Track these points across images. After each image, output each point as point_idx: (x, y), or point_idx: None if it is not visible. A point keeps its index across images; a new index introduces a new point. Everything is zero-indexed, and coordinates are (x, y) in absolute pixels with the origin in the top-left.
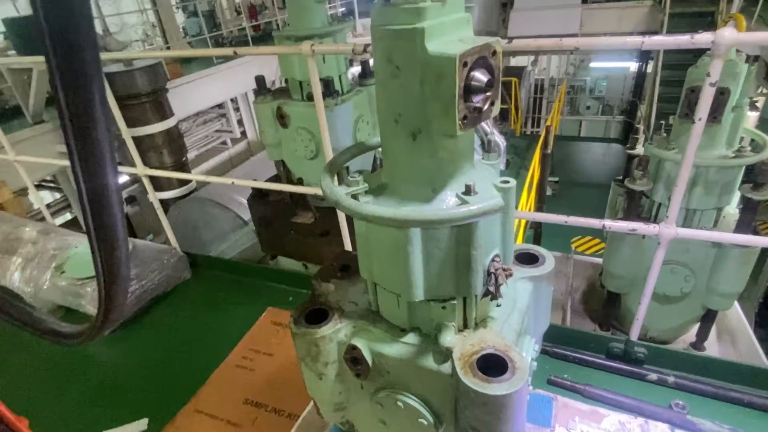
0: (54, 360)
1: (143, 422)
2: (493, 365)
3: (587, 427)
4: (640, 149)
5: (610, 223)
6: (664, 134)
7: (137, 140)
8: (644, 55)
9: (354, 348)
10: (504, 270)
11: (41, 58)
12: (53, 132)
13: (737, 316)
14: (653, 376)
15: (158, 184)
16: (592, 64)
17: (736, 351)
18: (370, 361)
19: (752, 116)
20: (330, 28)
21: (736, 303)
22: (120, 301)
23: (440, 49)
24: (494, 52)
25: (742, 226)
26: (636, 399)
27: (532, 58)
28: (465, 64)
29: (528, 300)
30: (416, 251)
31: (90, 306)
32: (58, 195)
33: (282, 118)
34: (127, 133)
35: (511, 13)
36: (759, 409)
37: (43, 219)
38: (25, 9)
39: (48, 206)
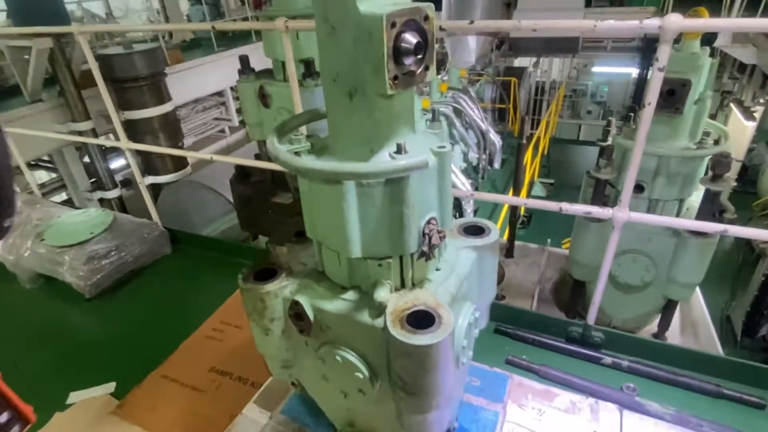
0: (31, 322)
1: (111, 385)
2: (423, 322)
3: (539, 404)
4: (610, 141)
5: (566, 206)
6: (633, 126)
7: (133, 123)
8: (646, 62)
9: (297, 303)
10: (438, 232)
11: (42, 32)
12: (51, 110)
13: (700, 309)
14: (608, 360)
15: (153, 167)
16: (595, 69)
17: (697, 343)
18: (312, 317)
19: (749, 126)
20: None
21: (700, 296)
22: None
23: (370, 9)
24: (426, 17)
25: (700, 216)
26: (589, 380)
27: (534, 59)
28: (393, 25)
29: (469, 267)
30: (351, 208)
31: (68, 274)
32: (54, 175)
33: (264, 98)
34: (113, 112)
35: (514, 14)
36: (705, 394)
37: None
38: None
39: (43, 185)
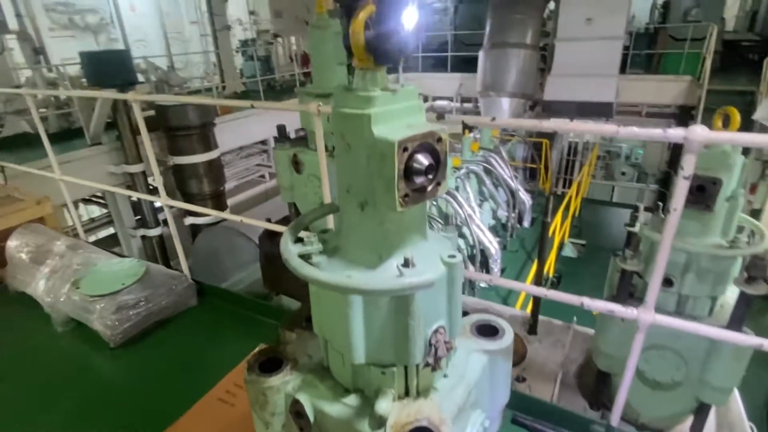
0: (57, 366)
1: None
2: None
3: None
4: (639, 227)
5: (588, 302)
6: (662, 215)
7: (181, 167)
8: (682, 126)
9: (297, 402)
10: (445, 343)
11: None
12: (108, 153)
13: (738, 411)
14: None
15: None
16: None
17: None
18: (311, 417)
19: None
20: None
21: (738, 397)
22: None
23: (384, 133)
24: (439, 139)
25: (734, 322)
26: None
27: (567, 120)
28: (405, 149)
29: (479, 374)
30: (357, 315)
31: (97, 323)
32: (105, 210)
33: (297, 165)
34: (155, 165)
35: (548, 77)
36: None
37: (77, 235)
38: (104, 44)
39: (92, 220)
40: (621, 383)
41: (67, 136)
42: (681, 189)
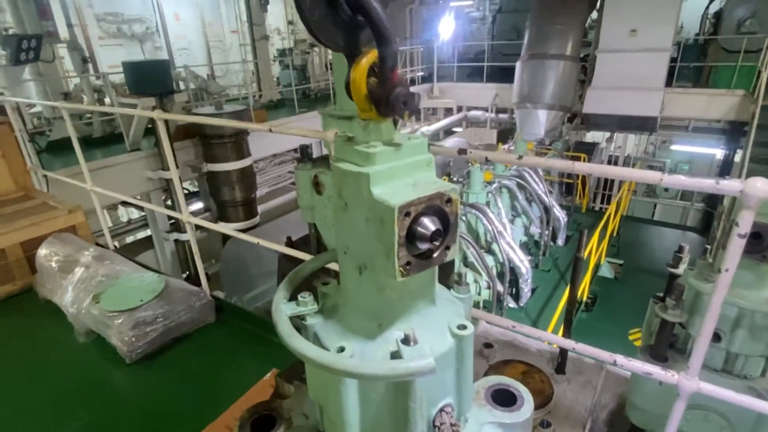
0: (75, 378)
1: None
2: None
3: None
4: (682, 269)
5: (622, 361)
6: (710, 260)
7: (215, 174)
8: (732, 143)
9: None
10: (452, 426)
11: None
12: (146, 159)
13: None
14: None
15: (226, 216)
16: (674, 147)
17: None
18: None
19: None
20: None
21: None
22: None
23: (384, 195)
24: (449, 200)
25: None
26: None
27: (607, 134)
28: (407, 214)
29: None
30: (350, 392)
31: (114, 338)
32: (143, 213)
33: (317, 186)
34: (176, 177)
35: (588, 90)
36: None
37: (114, 239)
38: (149, 52)
39: (129, 222)
40: None
41: (111, 140)
42: (735, 247)
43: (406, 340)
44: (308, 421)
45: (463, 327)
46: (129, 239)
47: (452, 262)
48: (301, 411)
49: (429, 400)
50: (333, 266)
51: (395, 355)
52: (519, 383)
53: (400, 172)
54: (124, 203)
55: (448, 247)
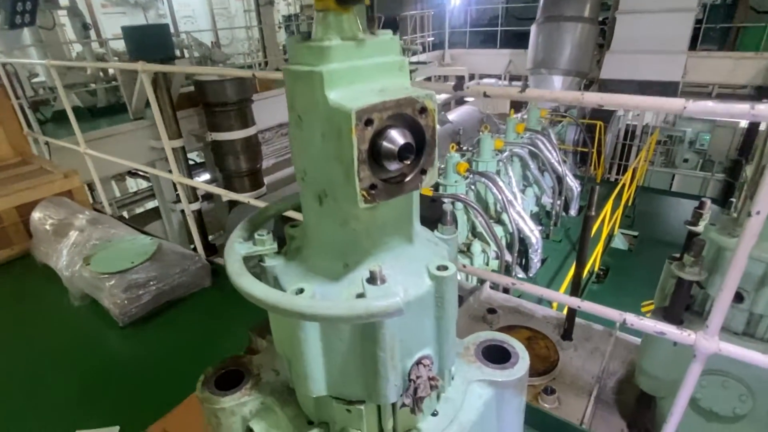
0: (68, 341)
1: (114, 429)
2: None
3: None
4: (703, 226)
5: (632, 319)
6: (734, 214)
7: (219, 143)
8: None
9: (251, 431)
10: (430, 380)
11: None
12: (150, 128)
13: None
14: None
15: (232, 186)
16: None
17: None
18: None
19: None
20: None
21: None
22: None
23: (341, 100)
24: (423, 109)
25: None
26: None
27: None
28: (369, 122)
29: (479, 414)
30: (311, 339)
31: (106, 300)
32: (150, 183)
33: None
34: (167, 143)
35: (607, 54)
36: None
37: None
38: (153, 20)
39: (135, 193)
40: (670, 413)
41: (115, 110)
42: None
43: (372, 279)
44: (279, 377)
45: (443, 268)
46: (138, 210)
47: (441, 203)
48: (272, 367)
49: (403, 349)
50: None
51: (361, 297)
52: (513, 339)
53: (364, 74)
54: (131, 173)
55: (424, 171)
